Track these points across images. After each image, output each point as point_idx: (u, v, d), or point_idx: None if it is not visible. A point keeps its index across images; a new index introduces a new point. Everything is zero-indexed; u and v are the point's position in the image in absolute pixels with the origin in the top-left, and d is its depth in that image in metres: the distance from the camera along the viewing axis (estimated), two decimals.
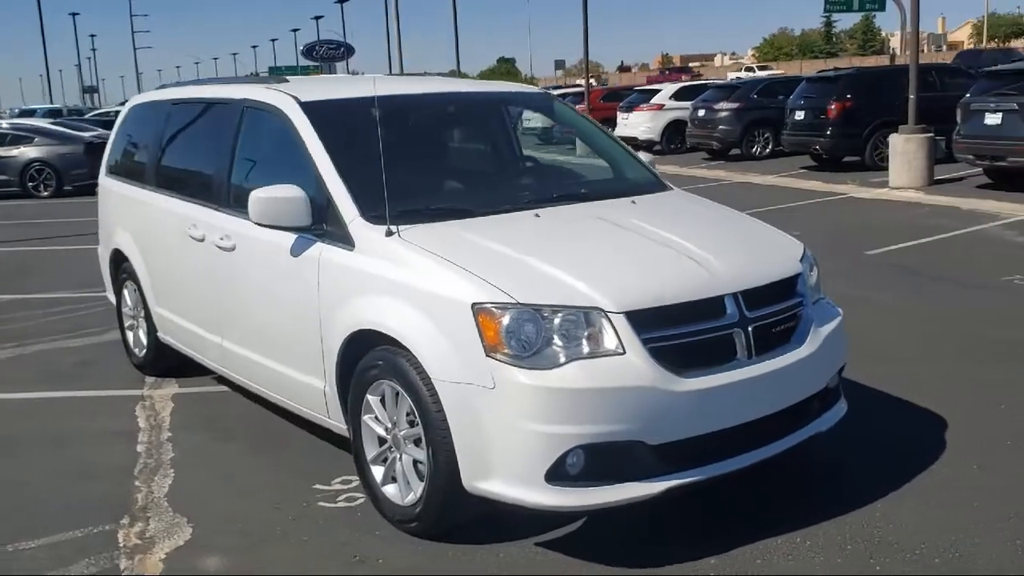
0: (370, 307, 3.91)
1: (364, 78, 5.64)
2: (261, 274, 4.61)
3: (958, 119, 14.12)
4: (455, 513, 3.75)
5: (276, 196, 4.18)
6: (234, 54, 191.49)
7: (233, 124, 5.00)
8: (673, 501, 3.61)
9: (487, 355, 3.46)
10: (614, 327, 3.47)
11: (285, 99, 4.67)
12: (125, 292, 6.43)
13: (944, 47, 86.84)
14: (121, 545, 3.97)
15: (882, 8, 38.43)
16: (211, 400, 5.82)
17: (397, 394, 3.84)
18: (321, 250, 4.19)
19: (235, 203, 4.88)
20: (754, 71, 59.36)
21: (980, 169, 14.43)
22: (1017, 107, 13.00)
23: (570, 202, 4.47)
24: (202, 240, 5.06)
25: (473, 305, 3.51)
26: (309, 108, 4.56)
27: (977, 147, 13.69)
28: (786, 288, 3.97)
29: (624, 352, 3.46)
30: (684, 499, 3.72)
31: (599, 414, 3.39)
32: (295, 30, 73.14)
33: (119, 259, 6.39)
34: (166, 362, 6.21)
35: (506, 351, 3.45)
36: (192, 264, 5.25)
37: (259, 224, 4.27)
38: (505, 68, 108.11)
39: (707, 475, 3.59)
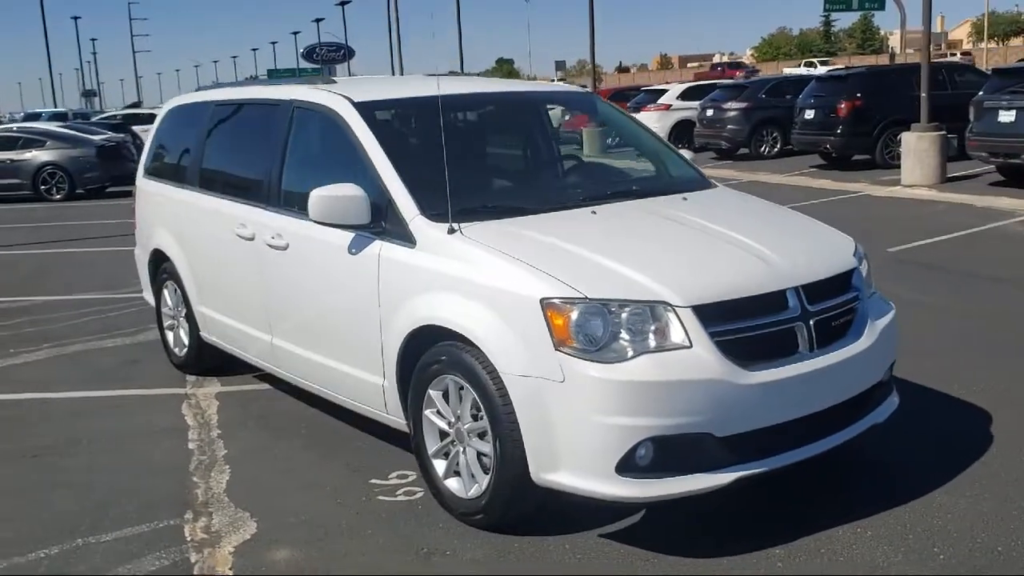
0: (433, 303, 3.97)
1: (411, 78, 5.70)
2: (316, 272, 4.67)
3: (971, 117, 14.19)
4: (521, 505, 3.82)
5: (336, 195, 4.23)
6: (234, 57, 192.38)
7: (283, 124, 5.06)
8: (733, 491, 3.66)
9: (556, 349, 3.52)
10: (681, 321, 3.53)
11: (338, 100, 4.73)
12: (165, 292, 6.48)
13: (943, 46, 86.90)
14: (188, 539, 4.03)
15: (882, 7, 38.50)
16: (255, 398, 5.88)
17: (461, 388, 3.90)
18: (381, 248, 4.24)
19: (286, 202, 4.95)
20: (815, 66, 56.88)
21: (992, 167, 14.52)
22: None
23: (623, 199, 4.53)
24: (252, 239, 5.11)
25: (541, 300, 3.57)
26: (363, 108, 4.62)
27: (991, 144, 13.75)
28: (843, 282, 4.04)
29: (691, 346, 3.52)
30: (743, 490, 3.77)
31: (669, 407, 3.46)
32: (296, 33, 73.25)
33: (159, 259, 6.44)
34: (208, 361, 6.27)
35: (575, 345, 3.51)
36: (240, 263, 5.31)
37: (318, 222, 4.33)
38: (506, 69, 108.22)
39: (772, 466, 3.65)
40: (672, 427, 3.46)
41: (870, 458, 4.45)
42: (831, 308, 3.90)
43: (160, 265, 6.47)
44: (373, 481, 4.50)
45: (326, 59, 73.07)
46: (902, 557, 3.58)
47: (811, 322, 3.77)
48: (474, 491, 3.92)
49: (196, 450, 5.04)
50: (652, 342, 3.53)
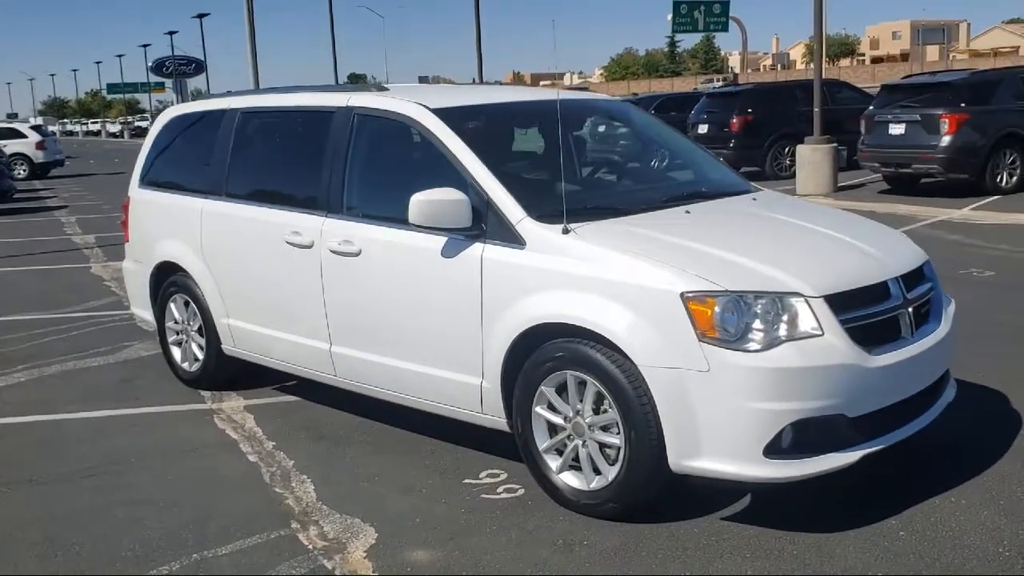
0: (550, 302, 4.07)
1: (454, 86, 5.76)
2: (399, 276, 4.67)
3: (862, 130, 15.23)
4: (650, 493, 3.97)
5: (440, 199, 4.28)
6: (74, 70, 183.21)
7: (342, 132, 5.03)
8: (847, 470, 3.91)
9: (700, 340, 3.70)
10: (812, 310, 3.77)
11: (414, 107, 4.76)
12: (171, 306, 6.28)
13: (781, 66, 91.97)
14: (309, 548, 3.97)
15: (725, 29, 40.40)
16: (291, 409, 5.78)
17: (581, 383, 4.02)
18: (483, 250, 4.31)
19: (352, 209, 4.94)
20: None
21: (879, 176, 15.63)
22: (920, 118, 14.16)
23: (701, 199, 4.76)
24: (310, 246, 5.06)
25: (682, 294, 3.74)
26: (444, 115, 4.68)
27: (882, 156, 14.80)
28: (922, 273, 4.39)
29: (823, 333, 3.76)
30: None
31: (810, 391, 3.69)
32: (145, 45, 69.97)
33: (164, 272, 6.24)
34: (224, 375, 6.13)
35: (717, 336, 3.70)
36: (290, 271, 5.23)
37: (418, 226, 4.36)
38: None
39: (888, 443, 3.94)
40: (813, 410, 3.70)
41: (925, 437, 4.80)
42: (920, 296, 4.24)
43: (167, 278, 6.27)
44: (467, 481, 4.55)
45: (176, 72, 70.98)
46: (1007, 520, 3.93)
47: (910, 309, 4.10)
48: (597, 483, 4.04)
49: (260, 463, 4.94)
50: (786, 331, 3.75)
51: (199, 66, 71.88)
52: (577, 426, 4.10)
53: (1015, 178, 14.33)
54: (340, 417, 5.56)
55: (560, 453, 4.20)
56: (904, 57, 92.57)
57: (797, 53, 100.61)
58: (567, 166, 5.44)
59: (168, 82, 75.05)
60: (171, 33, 58.54)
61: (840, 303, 3.84)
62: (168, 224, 6.21)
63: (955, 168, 13.94)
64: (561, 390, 4.14)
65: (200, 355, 6.15)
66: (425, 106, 4.76)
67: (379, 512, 4.27)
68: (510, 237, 4.25)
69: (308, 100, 5.45)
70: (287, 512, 4.33)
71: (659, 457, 3.82)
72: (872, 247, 4.24)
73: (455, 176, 4.47)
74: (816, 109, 15.83)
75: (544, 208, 4.26)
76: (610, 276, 3.93)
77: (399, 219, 4.62)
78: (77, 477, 4.85)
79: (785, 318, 3.77)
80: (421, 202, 4.30)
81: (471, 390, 4.46)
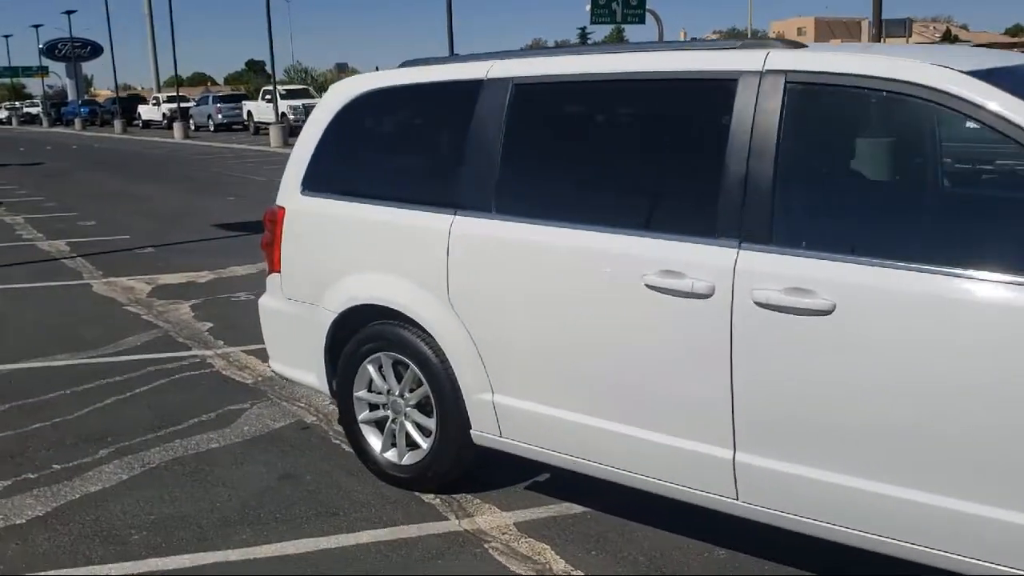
0: None
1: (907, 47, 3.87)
2: (942, 353, 2.80)
3: None
4: None
5: None
6: None
7: (762, 110, 3.12)
8: None
9: None
10: None
11: (939, 72, 2.90)
12: (369, 369, 4.26)
13: None
14: None
15: (642, 21, 39.71)
16: (591, 528, 3.85)
17: None
18: None
19: (795, 237, 3.06)
20: None
21: None
22: None
23: None
24: (706, 295, 3.15)
25: None
26: (995, 80, 2.85)
27: None
28: None
29: None
30: None
31: None
32: (37, 26, 64.50)
33: (359, 318, 4.22)
34: (456, 472, 4.17)
35: None
36: (653, 331, 3.31)
37: None
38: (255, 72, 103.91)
39: None
40: None
41: None
42: None
43: (357, 328, 4.25)
44: None
45: (70, 56, 66.56)
46: None
47: None
48: None
49: None
50: None
51: (96, 49, 67.63)
52: None
53: None
54: (676, 542, 3.67)
55: None
56: None
57: None
58: None
59: (55, 65, 70.22)
60: (69, 13, 53.99)
61: None
62: (371, 250, 4.17)
63: None
64: None
65: (423, 442, 4.16)
66: (948, 67, 2.90)
67: None
68: None
69: (668, 63, 3.47)
70: None
71: None
72: None
73: None
74: None
75: None
76: None
77: (929, 255, 2.82)
78: None
79: None
80: None
81: None
